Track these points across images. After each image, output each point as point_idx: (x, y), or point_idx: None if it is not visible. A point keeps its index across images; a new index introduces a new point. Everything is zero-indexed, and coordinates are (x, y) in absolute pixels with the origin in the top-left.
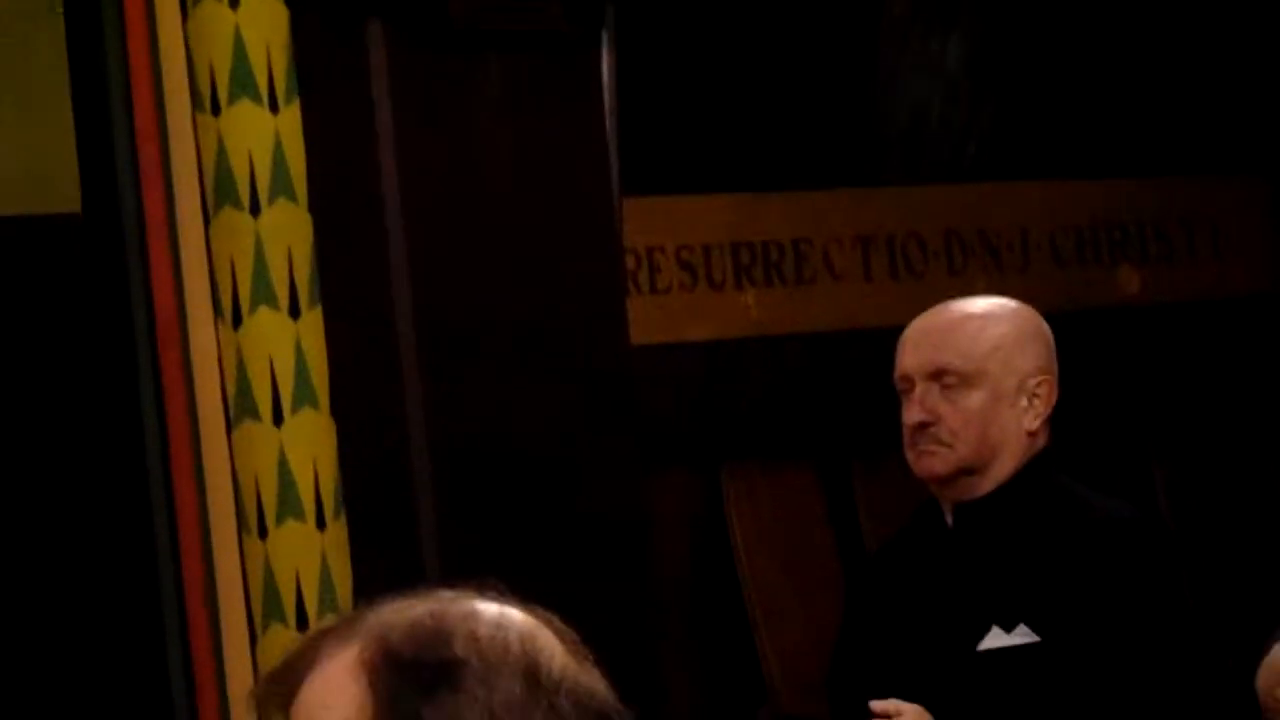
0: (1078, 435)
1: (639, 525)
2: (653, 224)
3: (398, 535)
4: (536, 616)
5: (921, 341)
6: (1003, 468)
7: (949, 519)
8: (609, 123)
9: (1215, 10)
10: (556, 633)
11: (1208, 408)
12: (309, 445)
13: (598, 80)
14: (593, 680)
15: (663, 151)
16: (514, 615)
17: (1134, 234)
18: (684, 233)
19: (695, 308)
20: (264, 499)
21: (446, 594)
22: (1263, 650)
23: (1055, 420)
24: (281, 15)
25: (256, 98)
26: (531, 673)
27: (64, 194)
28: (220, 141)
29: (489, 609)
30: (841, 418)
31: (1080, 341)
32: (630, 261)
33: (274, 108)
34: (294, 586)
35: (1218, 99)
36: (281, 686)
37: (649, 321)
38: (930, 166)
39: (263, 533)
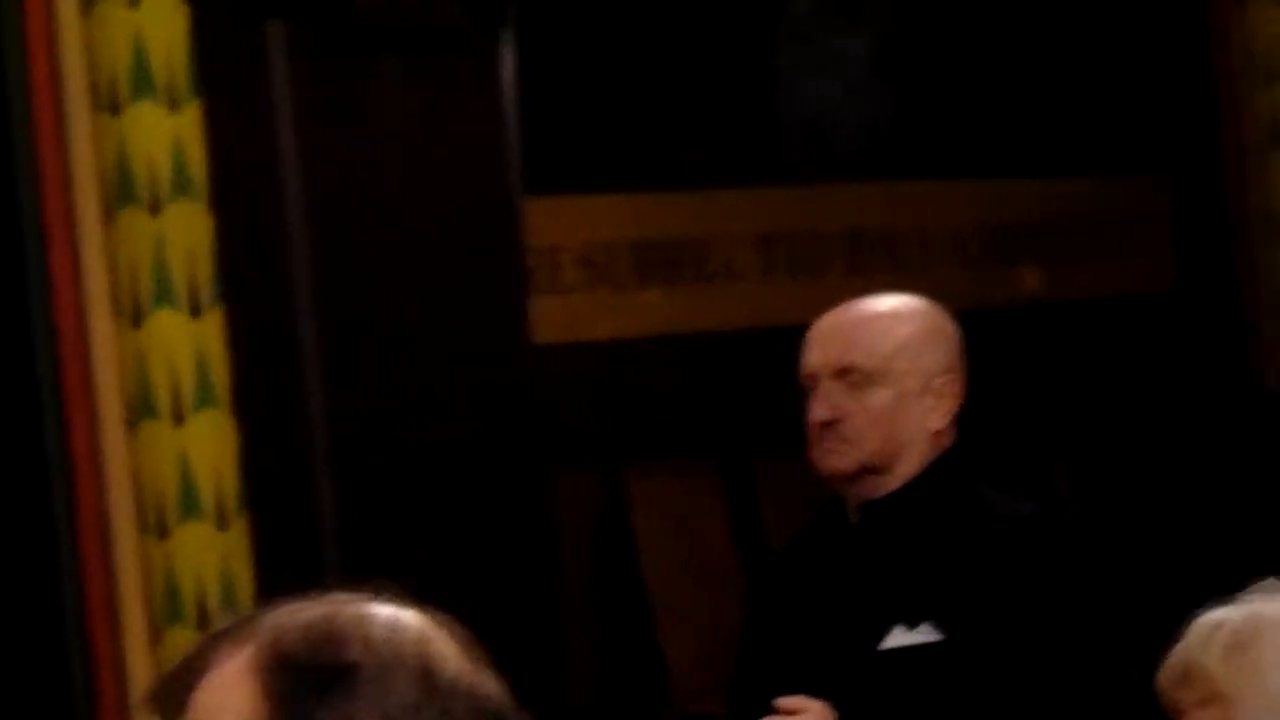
0: (982, 433)
1: (541, 524)
2: (555, 223)
3: (299, 535)
4: (432, 619)
5: (827, 339)
6: (908, 466)
7: (853, 518)
8: (511, 122)
9: (1117, 11)
10: (451, 636)
11: (1110, 405)
12: (210, 445)
13: (499, 79)
14: (487, 683)
15: (565, 150)
16: (408, 618)
17: (1036, 233)
18: (586, 231)
19: (597, 307)
20: (165, 500)
21: (341, 597)
22: (1164, 649)
23: (960, 419)
24: (182, 15)
25: (157, 98)
26: (426, 675)
27: None
28: (121, 141)
29: (383, 612)
30: (744, 416)
31: (983, 340)
32: (532, 261)
33: (174, 107)
34: (195, 587)
35: (1119, 99)
36: (176, 690)
37: (551, 321)
38: (832, 165)
39: (164, 533)
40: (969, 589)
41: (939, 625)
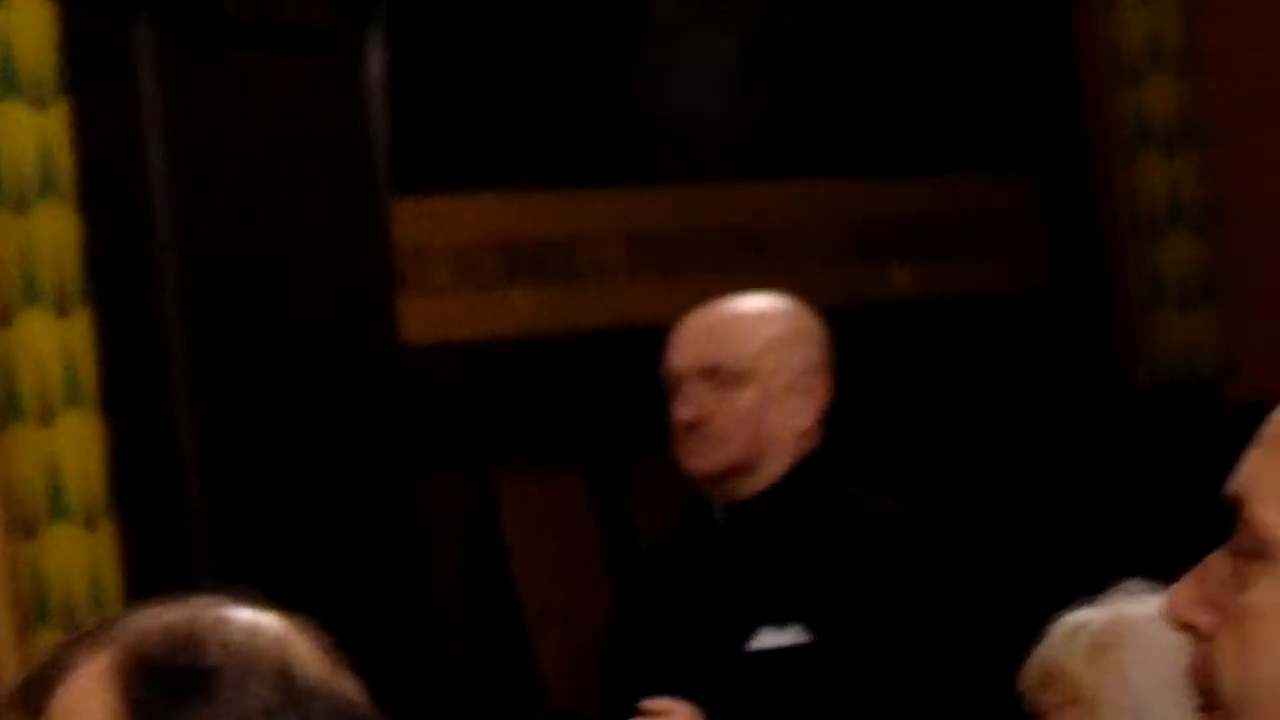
0: (850, 432)
1: (409, 524)
2: (424, 223)
3: (168, 536)
4: (291, 623)
5: (693, 339)
6: (774, 467)
7: (719, 517)
8: (379, 121)
9: (984, 11)
10: (311, 639)
11: (980, 403)
12: (78, 446)
13: (367, 78)
14: (347, 686)
15: (434, 150)
16: (268, 622)
17: (905, 232)
18: (454, 232)
19: (466, 307)
20: (33, 501)
21: (202, 600)
22: (1028, 650)
23: (829, 418)
24: (48, 14)
25: (24, 97)
26: (285, 679)
27: None
28: None
29: (242, 615)
30: (613, 417)
31: (853, 339)
32: (401, 260)
33: (41, 107)
34: (63, 588)
35: (987, 97)
36: (35, 693)
37: (420, 321)
38: (701, 165)
39: (31, 534)
40: (836, 589)
41: (806, 626)
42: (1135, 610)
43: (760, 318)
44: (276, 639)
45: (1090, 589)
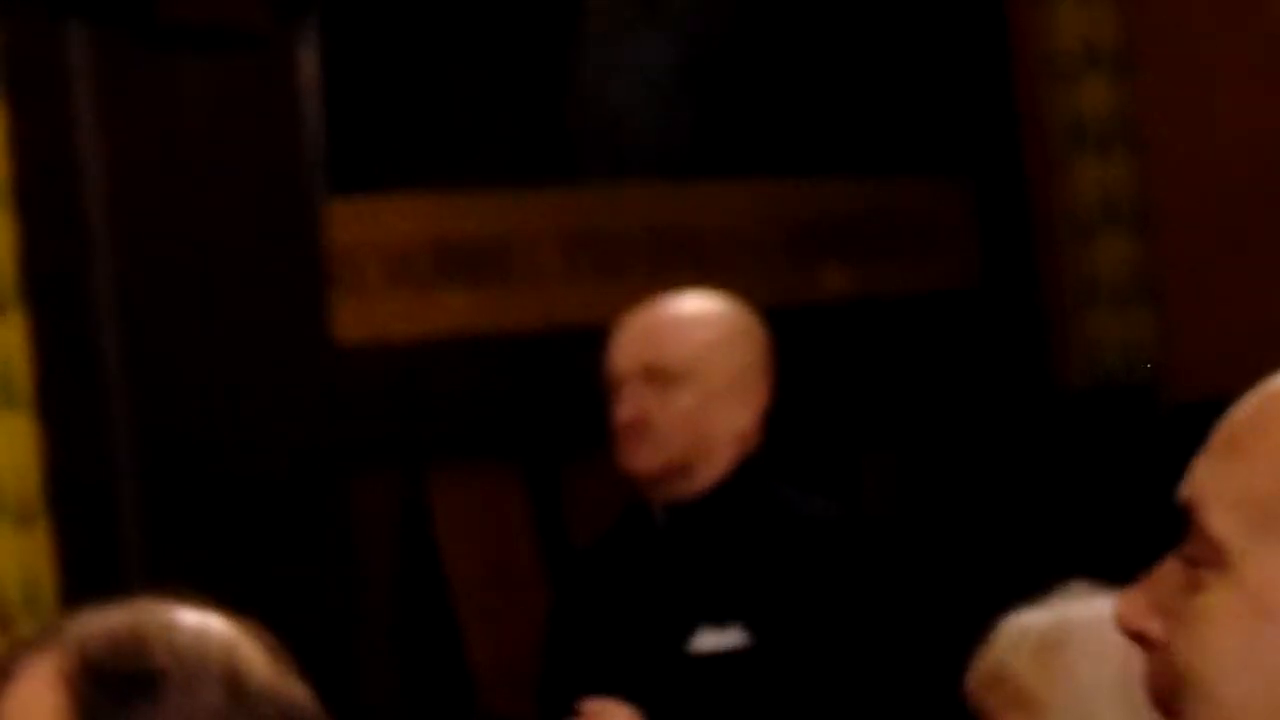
0: (788, 433)
1: (342, 526)
2: (356, 223)
3: (102, 537)
4: (238, 626)
5: (632, 339)
6: (713, 468)
7: (659, 519)
8: (311, 122)
9: (917, 10)
10: (258, 642)
11: (914, 404)
12: (11, 447)
13: (299, 79)
14: (295, 689)
15: (367, 150)
16: (215, 625)
17: (840, 232)
18: (387, 231)
19: (399, 307)
20: None
21: (147, 603)
22: (971, 652)
23: (766, 419)
24: None
25: None
26: (233, 682)
27: None
28: None
29: (189, 618)
30: (547, 418)
31: (788, 340)
32: (333, 261)
33: None
34: None
35: (921, 98)
36: None
37: (353, 321)
38: (635, 164)
39: None
40: (775, 592)
41: (745, 628)
42: (1081, 611)
43: (700, 318)
44: (225, 643)
45: (1028, 590)
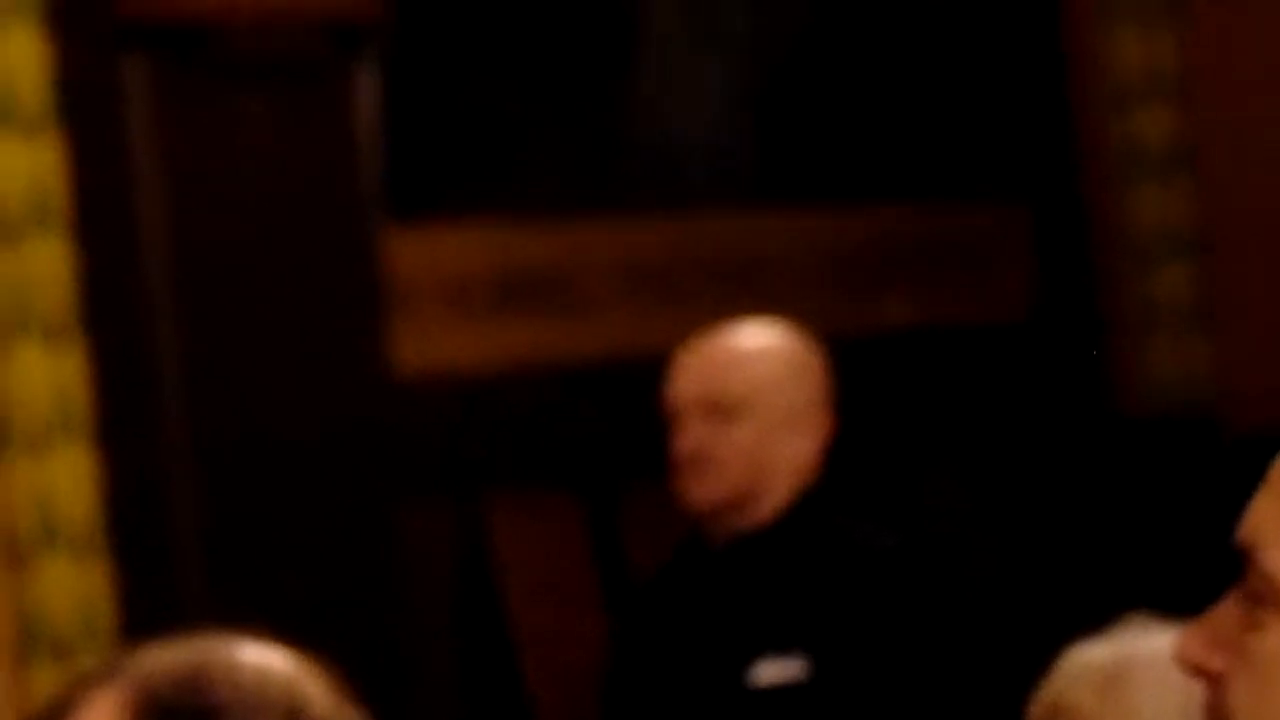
0: (848, 464)
1: (401, 553)
2: (416, 253)
3: (160, 567)
4: (299, 660)
5: (691, 372)
6: (773, 500)
7: (717, 551)
8: (371, 151)
9: (976, 35)
10: (319, 677)
11: (972, 433)
12: (70, 477)
13: (358, 109)
14: None
15: (427, 180)
16: (276, 660)
17: (900, 260)
18: (446, 260)
19: (458, 338)
20: (25, 532)
21: (209, 637)
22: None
23: (828, 449)
24: (43, 45)
25: (16, 127)
26: (294, 718)
27: None
28: None
29: (251, 653)
30: (606, 447)
31: (844, 368)
32: (393, 291)
33: (34, 138)
34: (55, 620)
35: (979, 125)
36: None
37: (411, 350)
38: (695, 194)
39: (22, 566)
40: (834, 623)
41: (805, 660)
42: (1144, 646)
43: (760, 351)
44: (286, 679)
45: (1088, 622)
